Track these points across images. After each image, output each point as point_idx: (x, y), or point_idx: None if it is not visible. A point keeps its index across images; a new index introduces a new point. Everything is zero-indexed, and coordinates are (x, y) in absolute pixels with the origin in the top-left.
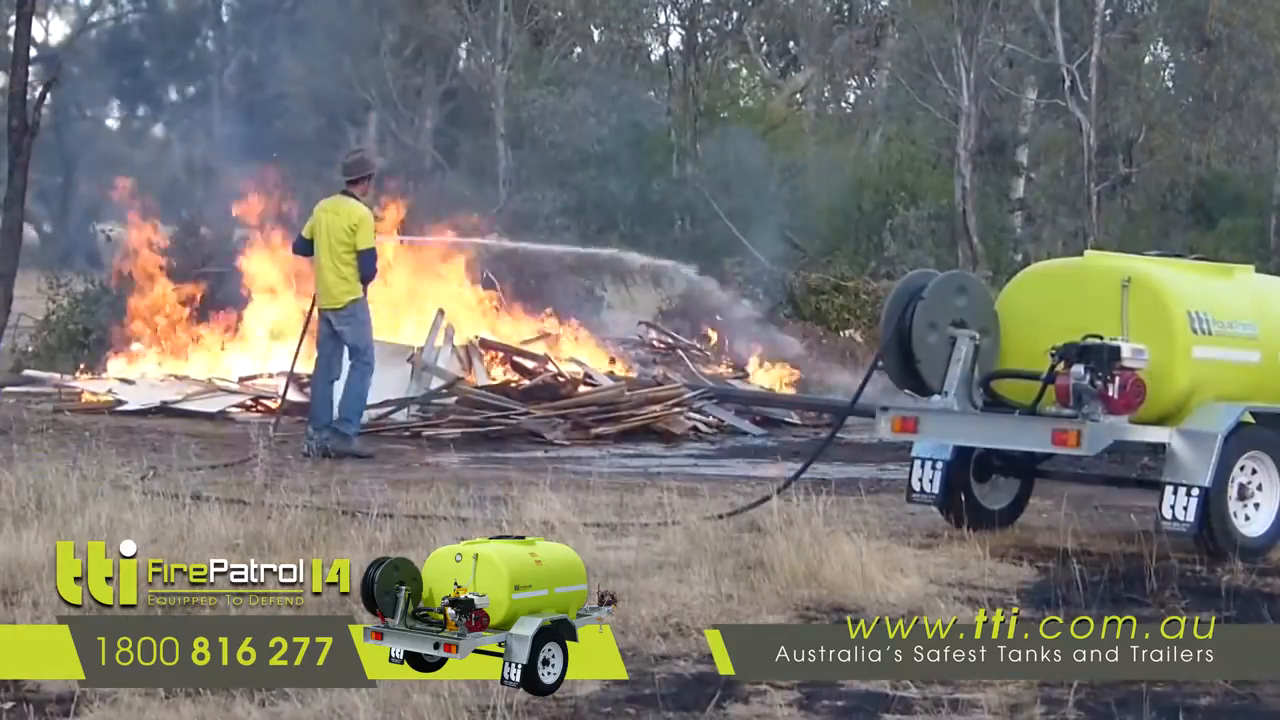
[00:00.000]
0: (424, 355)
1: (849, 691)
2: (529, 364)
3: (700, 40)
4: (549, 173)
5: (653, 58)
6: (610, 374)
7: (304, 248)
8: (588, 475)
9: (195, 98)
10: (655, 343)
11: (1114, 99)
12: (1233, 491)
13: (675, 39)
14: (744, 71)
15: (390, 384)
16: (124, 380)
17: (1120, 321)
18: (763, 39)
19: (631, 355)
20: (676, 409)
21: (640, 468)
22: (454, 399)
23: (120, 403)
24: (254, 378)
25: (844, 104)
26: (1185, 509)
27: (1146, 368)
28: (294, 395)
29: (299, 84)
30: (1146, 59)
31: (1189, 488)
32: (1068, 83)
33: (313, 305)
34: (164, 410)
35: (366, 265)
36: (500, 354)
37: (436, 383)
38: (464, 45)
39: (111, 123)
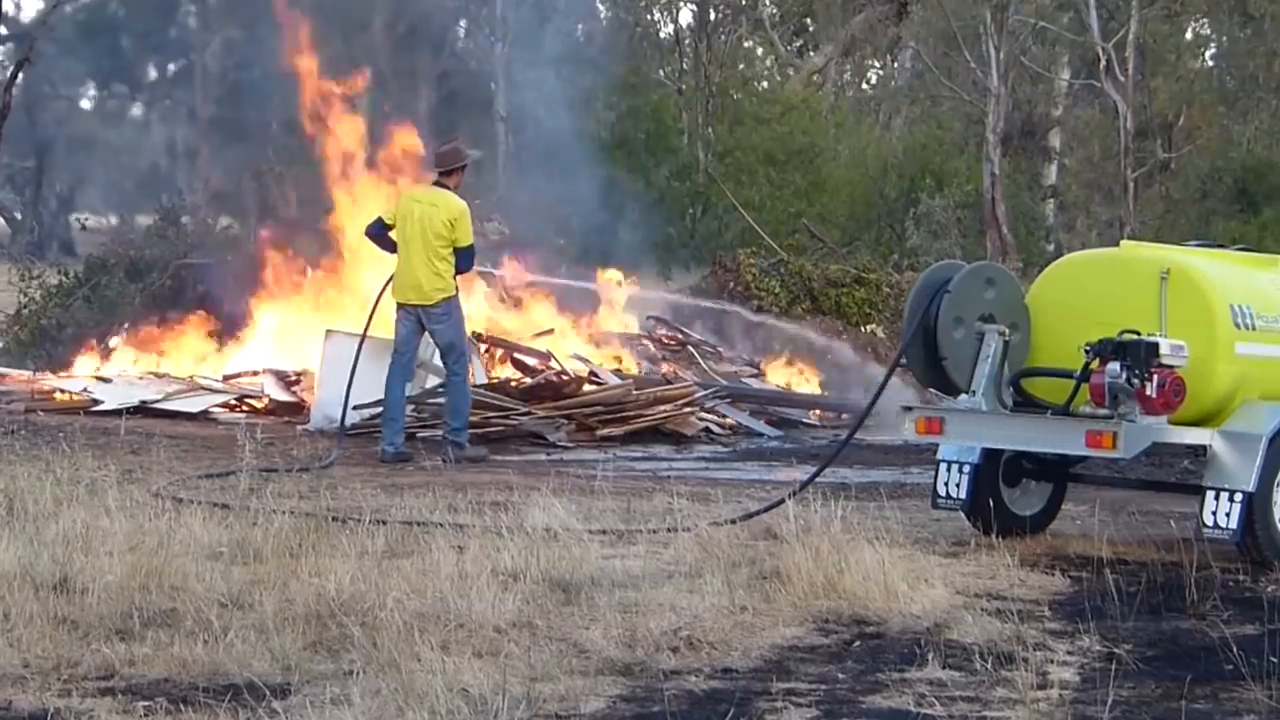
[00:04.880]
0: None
1: (871, 709)
2: (531, 361)
3: (712, 17)
4: (552, 158)
5: (662, 35)
6: (617, 372)
7: (382, 235)
8: (593, 479)
9: (176, 77)
10: (665, 339)
11: (1152, 80)
12: (1278, 496)
13: (686, 15)
14: (759, 51)
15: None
16: (100, 378)
17: (1158, 316)
18: (778, 15)
19: (639, 352)
20: (687, 409)
21: (649, 471)
22: None
23: (96, 402)
24: (238, 375)
25: (865, 85)
26: (1227, 515)
27: (1186, 365)
28: (278, 394)
29: (285, 63)
30: (1187, 37)
31: (1231, 492)
32: (1103, 62)
33: (379, 297)
34: (143, 410)
35: (467, 262)
36: (501, 350)
37: (433, 381)
38: (461, 22)
39: (86, 103)
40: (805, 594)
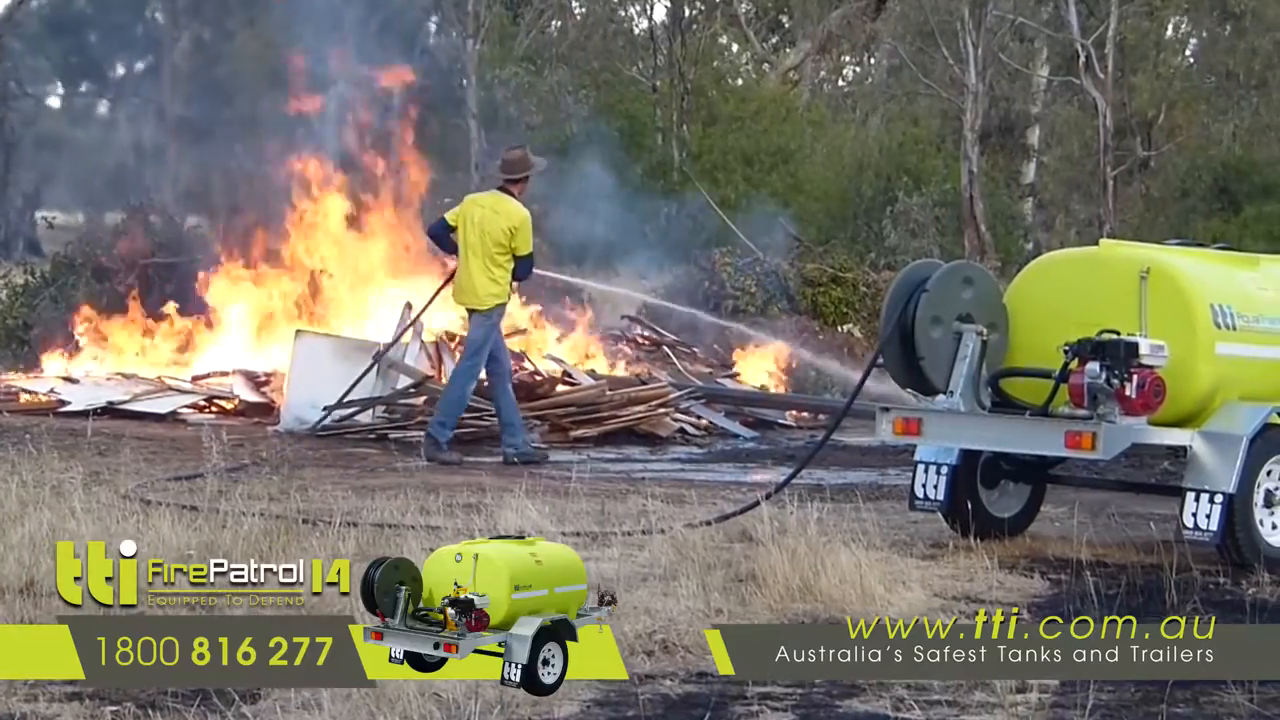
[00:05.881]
0: (391, 352)
1: (848, 713)
2: None
3: (687, 13)
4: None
5: (636, 31)
6: (591, 372)
7: (443, 235)
8: (566, 481)
9: (144, 74)
10: (640, 338)
11: (1132, 77)
12: (1259, 498)
13: (660, 11)
14: (734, 47)
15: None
16: (67, 379)
17: (1138, 316)
18: (753, 11)
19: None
20: (662, 410)
21: (623, 473)
22: (423, 399)
23: (63, 403)
24: (207, 376)
25: (842, 81)
26: (1208, 517)
27: (1166, 365)
28: (247, 395)
29: (254, 60)
30: (1167, 34)
31: (1212, 494)
32: (1083, 59)
33: (435, 294)
34: (110, 411)
35: (525, 270)
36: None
37: (404, 381)
38: (433, 18)
39: (54, 101)
40: (781, 597)
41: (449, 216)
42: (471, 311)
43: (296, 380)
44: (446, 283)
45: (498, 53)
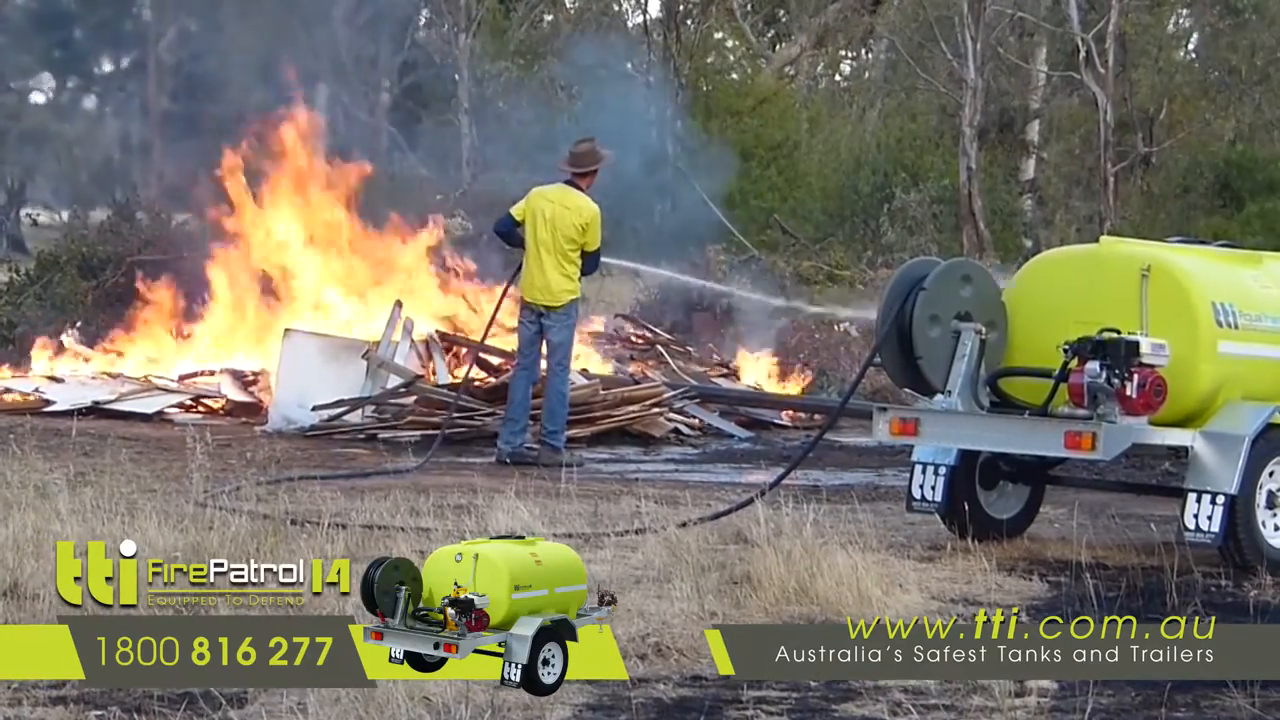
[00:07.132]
0: (380, 351)
1: (844, 717)
2: (495, 360)
3: (682, 7)
4: (516, 152)
5: (630, 25)
6: (584, 371)
7: (510, 232)
8: (558, 481)
9: (129, 69)
10: (633, 337)
11: (1133, 71)
12: (1261, 499)
13: (655, 5)
14: (730, 42)
15: (344, 382)
16: (52, 378)
17: (1139, 314)
18: (749, 4)
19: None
20: (656, 410)
21: (616, 473)
22: (413, 399)
23: (48, 403)
24: (194, 375)
25: (839, 77)
26: (1209, 518)
27: (1167, 365)
28: (235, 394)
29: (242, 53)
30: (1168, 28)
31: (1214, 495)
32: (1083, 53)
33: (503, 294)
34: (96, 411)
35: (593, 264)
36: (463, 349)
37: (394, 381)
38: (423, 12)
39: (39, 96)
40: (777, 599)
41: (515, 212)
42: (544, 309)
43: (284, 379)
44: (512, 281)
45: (490, 47)
